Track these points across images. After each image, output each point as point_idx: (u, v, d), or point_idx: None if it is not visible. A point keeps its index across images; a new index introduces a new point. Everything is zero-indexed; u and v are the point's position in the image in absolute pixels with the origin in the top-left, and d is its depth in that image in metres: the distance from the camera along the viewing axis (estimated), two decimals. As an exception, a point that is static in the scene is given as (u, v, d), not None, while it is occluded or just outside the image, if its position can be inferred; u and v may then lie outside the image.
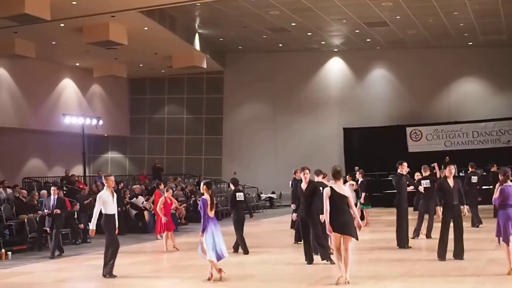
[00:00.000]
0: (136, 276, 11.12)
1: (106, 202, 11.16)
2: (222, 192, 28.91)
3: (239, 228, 13.70)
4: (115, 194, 11.44)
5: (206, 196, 10.23)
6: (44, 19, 19.33)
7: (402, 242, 13.28)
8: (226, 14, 24.48)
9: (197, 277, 10.63)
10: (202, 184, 10.61)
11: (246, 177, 31.19)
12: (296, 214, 12.83)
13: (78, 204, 18.76)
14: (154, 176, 29.10)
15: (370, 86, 31.72)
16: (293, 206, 13.71)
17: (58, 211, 15.07)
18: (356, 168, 21.82)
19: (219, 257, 10.09)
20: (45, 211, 15.35)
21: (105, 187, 11.50)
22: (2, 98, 26.07)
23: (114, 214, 11.25)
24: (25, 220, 16.83)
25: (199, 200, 13.84)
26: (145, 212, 20.36)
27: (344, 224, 9.25)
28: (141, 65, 30.18)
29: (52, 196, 15.27)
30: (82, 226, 17.95)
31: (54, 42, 24.79)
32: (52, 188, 15.86)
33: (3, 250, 14.87)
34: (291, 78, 31.95)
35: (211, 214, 10.22)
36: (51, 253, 14.67)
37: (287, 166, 27.43)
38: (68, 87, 30.00)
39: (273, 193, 31.12)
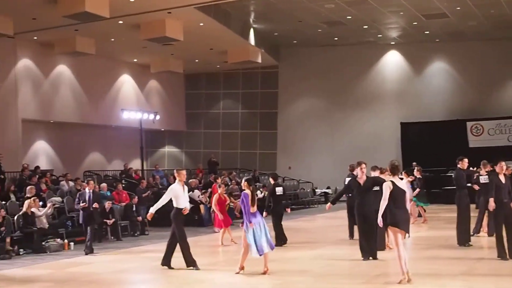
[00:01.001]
0: (191, 269, 11.22)
1: (178, 196, 11.21)
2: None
3: (277, 221, 14.21)
4: (185, 188, 11.48)
5: (247, 192, 10.42)
6: (103, 17, 19.83)
7: (463, 239, 12.95)
8: (281, 8, 24.42)
9: (251, 271, 10.68)
10: (243, 180, 10.84)
11: (301, 171, 31.26)
12: (330, 204, 12.69)
13: (136, 197, 19.12)
14: (209, 170, 29.38)
15: (429, 79, 31.06)
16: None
17: (97, 205, 14.43)
18: (414, 164, 21.39)
19: (260, 252, 10.18)
20: (81, 204, 14.30)
21: (176, 181, 11.44)
22: (64, 94, 26.82)
23: (182, 208, 11.29)
24: (86, 212, 17.30)
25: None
26: (201, 206, 20.58)
27: (406, 220, 9.25)
28: (196, 60, 30.47)
29: (87, 190, 14.49)
30: (140, 218, 18.30)
31: (113, 39, 25.32)
32: (88, 181, 14.93)
33: (65, 241, 15.36)
34: (347, 72, 31.63)
35: (253, 209, 10.38)
36: (88, 248, 14.06)
37: (342, 161, 27.14)
38: (126, 82, 30.62)
39: (328, 188, 30.92)
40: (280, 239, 14.15)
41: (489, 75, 29.57)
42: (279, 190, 14.38)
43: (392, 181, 9.28)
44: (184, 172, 11.54)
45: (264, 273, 10.32)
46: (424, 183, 18.58)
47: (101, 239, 16.62)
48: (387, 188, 9.18)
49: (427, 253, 12.47)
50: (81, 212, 14.50)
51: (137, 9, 21.29)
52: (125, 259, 13.37)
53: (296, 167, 31.93)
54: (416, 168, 19.00)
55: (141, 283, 10.88)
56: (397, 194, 9.17)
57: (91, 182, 14.74)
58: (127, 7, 20.93)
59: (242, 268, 10.50)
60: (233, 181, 25.53)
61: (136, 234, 17.92)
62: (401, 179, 10.10)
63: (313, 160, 31.84)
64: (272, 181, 14.61)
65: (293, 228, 19.07)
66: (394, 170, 9.44)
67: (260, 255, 10.20)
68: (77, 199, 14.67)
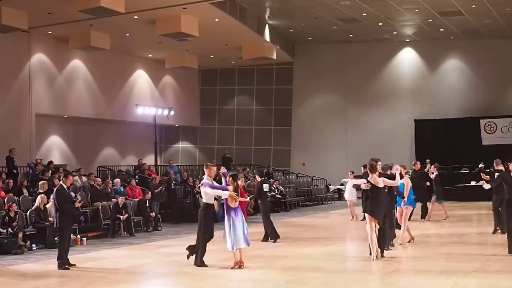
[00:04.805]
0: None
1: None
2: (291, 183, 28.93)
3: (267, 217, 14.59)
4: (214, 184, 11.27)
5: (231, 188, 10.74)
6: (118, 12, 19.85)
7: None
8: (296, 4, 24.36)
9: (265, 267, 10.72)
10: (228, 176, 11.01)
11: (314, 168, 31.25)
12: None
13: (149, 192, 19.13)
14: (223, 167, 29.35)
15: (443, 77, 30.90)
16: None
17: (79, 199, 12.27)
18: (428, 160, 21.28)
19: (235, 246, 10.51)
20: (77, 202, 12.12)
21: (205, 176, 11.19)
22: (78, 89, 26.91)
23: (213, 204, 11.32)
24: (99, 208, 17.40)
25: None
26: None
27: (379, 211, 10.98)
28: (212, 56, 30.49)
29: (64, 186, 11.71)
30: (153, 214, 18.34)
31: (128, 34, 25.38)
32: (66, 174, 12.13)
33: (78, 236, 15.35)
34: (362, 69, 31.52)
35: (233, 204, 10.65)
36: (59, 263, 11.44)
37: (357, 158, 27.15)
38: (141, 78, 30.67)
39: (341, 184, 30.86)
40: (273, 236, 14.35)
41: (503, 73, 29.35)
42: (265, 187, 14.88)
43: (367, 179, 11.04)
44: (215, 168, 11.28)
45: (240, 267, 10.54)
46: (440, 180, 18.44)
47: (114, 235, 16.69)
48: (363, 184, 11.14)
49: (440, 250, 12.44)
50: (58, 214, 11.53)
51: (153, 5, 21.32)
52: (139, 255, 13.38)
53: (310, 164, 31.91)
54: (433, 165, 18.83)
55: (154, 278, 10.90)
56: (372, 189, 10.96)
57: (70, 176, 12.08)
58: (143, 3, 20.97)
59: (238, 262, 10.63)
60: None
61: (149, 230, 17.95)
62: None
63: (327, 157, 31.79)
64: (258, 178, 15.13)
65: (307, 225, 19.09)
66: (371, 169, 11.03)
67: (234, 249, 10.49)
68: (54, 198, 11.80)
